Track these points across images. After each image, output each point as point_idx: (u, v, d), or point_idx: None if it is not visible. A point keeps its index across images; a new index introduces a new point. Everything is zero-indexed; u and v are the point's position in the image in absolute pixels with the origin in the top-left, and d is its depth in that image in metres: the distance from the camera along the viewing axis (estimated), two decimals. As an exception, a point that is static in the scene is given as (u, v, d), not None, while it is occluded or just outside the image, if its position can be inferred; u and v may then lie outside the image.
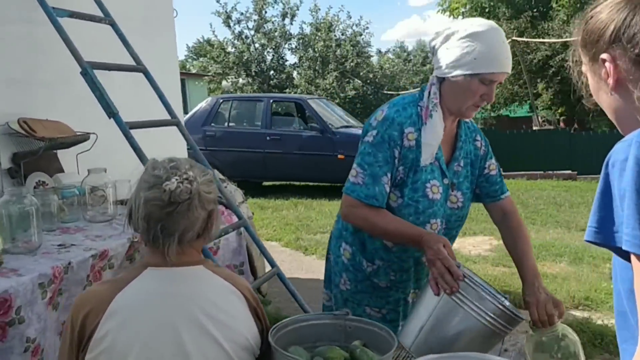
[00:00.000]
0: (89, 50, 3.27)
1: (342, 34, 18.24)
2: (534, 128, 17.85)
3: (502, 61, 1.90)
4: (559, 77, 19.02)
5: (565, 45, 19.58)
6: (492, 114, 22.31)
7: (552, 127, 20.82)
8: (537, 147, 13.68)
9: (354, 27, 18.33)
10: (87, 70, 3.24)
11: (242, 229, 4.16)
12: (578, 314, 4.61)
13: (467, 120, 2.17)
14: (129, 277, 1.55)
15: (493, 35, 1.91)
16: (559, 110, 21.38)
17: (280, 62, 19.24)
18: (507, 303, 1.77)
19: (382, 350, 1.64)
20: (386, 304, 2.17)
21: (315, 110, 10.56)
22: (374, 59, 19.17)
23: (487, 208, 2.25)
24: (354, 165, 2.03)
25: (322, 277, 5.40)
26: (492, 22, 1.97)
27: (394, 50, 30.25)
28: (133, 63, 3.72)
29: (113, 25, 3.78)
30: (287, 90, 17.98)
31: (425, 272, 2.19)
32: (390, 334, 1.67)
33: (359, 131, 11.13)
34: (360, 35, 18.27)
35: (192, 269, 1.57)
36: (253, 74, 18.74)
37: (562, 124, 22.10)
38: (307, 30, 18.69)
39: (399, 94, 18.71)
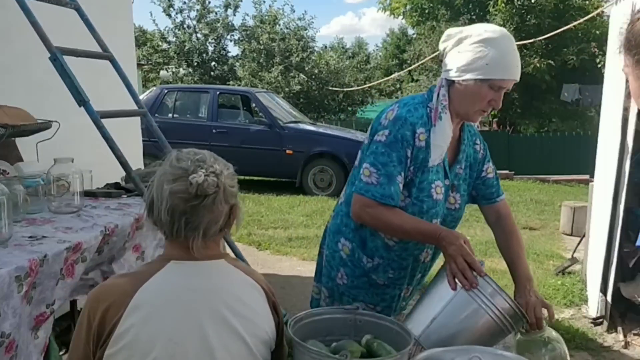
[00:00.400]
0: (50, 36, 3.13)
1: (287, 28, 18.21)
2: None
3: (513, 69, 1.94)
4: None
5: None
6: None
7: (487, 129, 21.40)
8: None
9: (298, 22, 18.38)
10: (57, 56, 3.13)
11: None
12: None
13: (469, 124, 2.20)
14: (151, 271, 1.51)
15: (506, 42, 1.94)
16: (492, 113, 22.04)
17: (223, 53, 19.02)
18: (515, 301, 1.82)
19: (393, 345, 1.66)
20: (381, 301, 2.19)
21: (263, 104, 10.50)
22: (317, 55, 19.15)
23: (482, 209, 2.30)
24: (366, 165, 2.00)
25: (277, 272, 5.40)
26: (504, 30, 2.01)
27: (331, 45, 30.48)
28: (99, 50, 3.61)
29: (78, 10, 3.65)
30: (231, 82, 17.79)
31: (420, 269, 2.23)
32: (404, 328, 1.70)
33: (308, 127, 11.11)
34: (305, 29, 18.32)
35: (215, 263, 1.55)
36: (195, 64, 18.43)
37: (494, 126, 22.73)
38: (251, 22, 18.64)
39: (343, 90, 18.90)
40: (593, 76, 22.33)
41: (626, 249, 4.33)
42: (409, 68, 19.07)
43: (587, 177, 12.01)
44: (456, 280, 1.82)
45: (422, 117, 2.01)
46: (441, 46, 2.07)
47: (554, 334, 1.96)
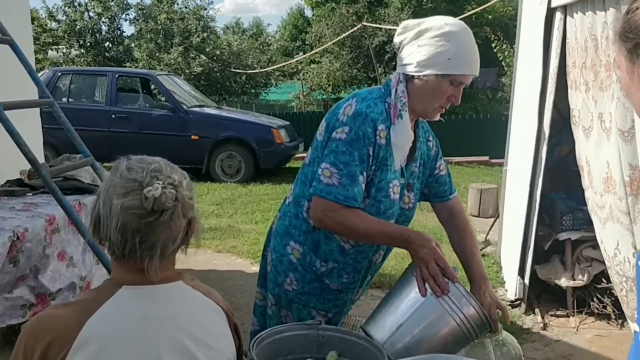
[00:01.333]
0: None
1: (186, 7, 17.57)
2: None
3: (474, 63, 1.88)
4: (394, 63, 19.90)
5: (393, 32, 20.51)
6: (332, 96, 22.84)
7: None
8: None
9: (198, 1, 17.78)
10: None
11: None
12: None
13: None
14: (100, 298, 1.31)
15: (467, 36, 1.88)
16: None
17: (117, 33, 18.10)
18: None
19: (363, 360, 1.56)
20: (333, 307, 2.07)
21: (166, 87, 10.05)
22: (215, 36, 18.62)
23: (434, 207, 2.24)
24: (326, 165, 1.86)
25: (192, 266, 5.17)
26: (463, 23, 1.93)
27: (228, 25, 29.71)
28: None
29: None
30: (128, 64, 16.96)
31: (371, 271, 2.14)
32: (372, 344, 1.60)
33: (214, 111, 10.80)
34: (205, 9, 17.76)
35: (172, 286, 1.38)
36: (87, 45, 17.41)
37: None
38: (147, 0, 17.80)
39: (247, 73, 18.56)
40: (485, 60, 23.23)
41: (541, 232, 4.48)
42: (315, 51, 19.00)
43: (486, 158, 12.50)
44: (426, 285, 1.73)
45: (382, 113, 1.90)
46: (397, 39, 1.96)
47: (508, 337, 1.93)
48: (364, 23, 16.54)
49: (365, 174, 1.87)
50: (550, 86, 4.15)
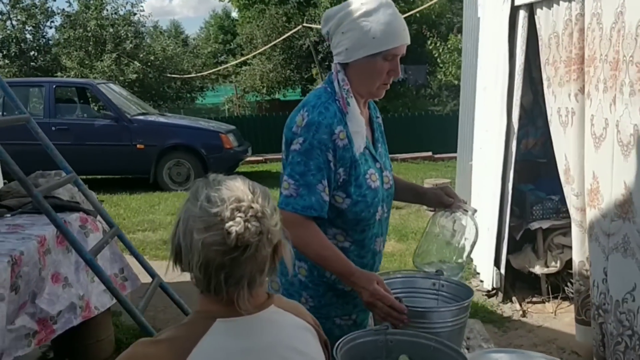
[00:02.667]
0: None
1: (115, 13, 17.05)
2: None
3: (400, 33, 1.87)
4: (327, 63, 20.06)
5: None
6: (267, 98, 22.79)
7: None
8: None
9: (127, 6, 17.28)
10: None
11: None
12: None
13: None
14: (194, 334, 1.24)
15: (387, 9, 1.87)
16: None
17: (43, 42, 17.38)
18: None
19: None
20: (354, 308, 2.08)
21: (107, 96, 9.75)
22: (151, 41, 18.19)
23: None
24: (285, 178, 1.89)
25: (163, 279, 5.06)
26: (386, 0, 1.91)
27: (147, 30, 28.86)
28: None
29: None
30: (59, 74, 16.30)
31: (378, 258, 2.15)
32: (443, 344, 1.62)
33: (159, 118, 10.54)
34: (135, 15, 17.29)
35: (266, 314, 1.32)
36: (12, 55, 16.60)
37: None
38: (75, 7, 17.11)
39: (182, 77, 18.23)
40: (416, 57, 23.77)
41: (512, 223, 4.63)
42: (253, 54, 18.87)
43: (430, 153, 12.78)
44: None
45: (336, 114, 1.89)
46: (323, 31, 1.98)
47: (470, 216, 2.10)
48: (305, 24, 16.53)
49: (325, 181, 1.87)
50: (517, 82, 4.30)
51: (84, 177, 10.24)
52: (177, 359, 1.21)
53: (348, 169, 1.91)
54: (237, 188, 1.25)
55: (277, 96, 23.13)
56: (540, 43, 3.99)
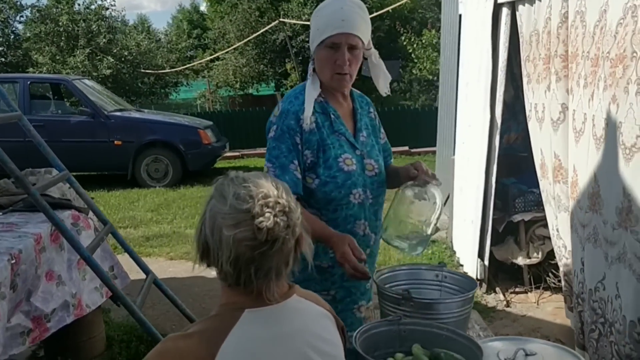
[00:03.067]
0: None
1: (87, 8, 16.79)
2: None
3: (337, 23, 2.00)
4: (300, 57, 20.05)
5: (305, 27, 20.72)
6: (240, 92, 22.71)
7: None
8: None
9: (100, 1, 17.01)
10: None
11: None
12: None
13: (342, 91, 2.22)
14: (224, 326, 1.28)
15: (329, 4, 2.05)
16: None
17: (12, 37, 17.04)
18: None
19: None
20: (332, 284, 2.18)
21: (83, 92, 9.64)
22: (123, 36, 17.95)
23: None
24: (265, 163, 2.10)
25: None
26: None
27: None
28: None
29: None
30: (31, 70, 16.01)
31: (362, 243, 2.15)
32: (456, 333, 1.68)
33: (135, 114, 10.42)
34: (107, 9, 17.04)
35: (290, 302, 1.37)
36: (-19, 51, 16.30)
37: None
38: (44, 1, 16.83)
39: (157, 73, 18.06)
40: (388, 52, 23.91)
41: (495, 215, 4.73)
42: (229, 49, 18.77)
43: (406, 148, 12.91)
44: None
45: (303, 103, 2.08)
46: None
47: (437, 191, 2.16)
48: (281, 19, 16.50)
49: (296, 161, 2.05)
50: (500, 78, 4.39)
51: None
52: (209, 350, 1.25)
53: (315, 151, 2.08)
54: (262, 185, 1.29)
55: (250, 91, 23.08)
56: (521, 40, 4.08)
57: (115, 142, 9.40)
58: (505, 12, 4.31)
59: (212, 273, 4.29)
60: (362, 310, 2.22)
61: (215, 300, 4.62)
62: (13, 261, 2.62)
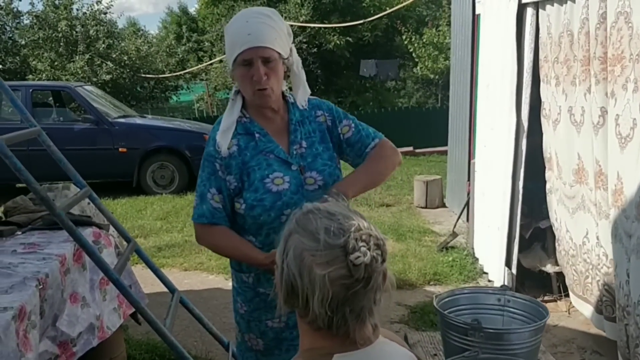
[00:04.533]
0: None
1: (85, 13, 16.58)
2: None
3: (244, 39, 1.89)
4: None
5: (302, 28, 20.62)
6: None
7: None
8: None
9: (97, 5, 16.80)
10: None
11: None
12: (432, 289, 4.92)
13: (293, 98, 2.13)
14: None
15: (236, 21, 1.95)
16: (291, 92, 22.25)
17: (10, 43, 16.82)
18: None
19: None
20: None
21: (86, 99, 9.50)
22: (125, 40, 17.75)
23: None
24: None
25: (165, 289, 4.97)
26: (243, 10, 2.04)
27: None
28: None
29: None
30: (30, 76, 15.81)
31: None
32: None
33: (140, 121, 10.33)
34: (105, 13, 16.84)
35: (378, 345, 1.24)
36: (-21, 58, 16.08)
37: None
38: (39, 7, 16.57)
39: (158, 77, 17.91)
40: (385, 51, 23.85)
41: (521, 221, 4.61)
42: (221, 57, 18.59)
43: (411, 148, 12.79)
44: None
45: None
46: None
47: None
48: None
49: (214, 189, 2.01)
50: (525, 80, 4.27)
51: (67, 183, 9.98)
52: None
53: (239, 175, 2.00)
54: (350, 216, 1.17)
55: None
56: (548, 41, 3.96)
57: (120, 149, 9.26)
58: (530, 12, 4.19)
59: (229, 284, 4.19)
60: None
61: (221, 317, 4.52)
62: (40, 287, 2.49)
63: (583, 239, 3.74)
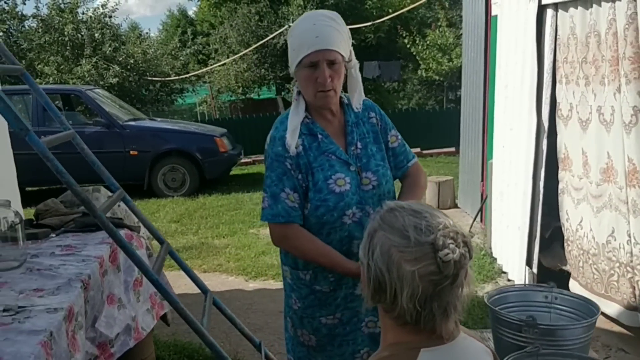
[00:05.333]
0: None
1: (91, 16, 16.58)
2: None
3: (311, 41, 1.93)
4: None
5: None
6: (241, 97, 22.62)
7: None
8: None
9: (102, 8, 16.81)
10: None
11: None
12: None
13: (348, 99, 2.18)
14: None
15: (302, 23, 2.00)
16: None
17: (17, 48, 16.82)
18: None
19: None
20: (337, 308, 2.14)
21: (97, 102, 9.55)
22: (131, 43, 17.76)
23: (400, 180, 2.29)
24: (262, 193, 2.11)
25: (186, 290, 4.99)
26: (310, 12, 2.10)
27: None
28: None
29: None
30: (38, 80, 15.80)
31: (355, 258, 2.13)
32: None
33: (151, 124, 10.34)
34: (110, 17, 16.86)
35: (460, 340, 1.27)
36: (-15, 62, 16.01)
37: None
38: (44, 11, 16.62)
39: (164, 80, 17.92)
40: (388, 53, 23.88)
41: (541, 221, 4.64)
42: (233, 58, 18.70)
43: (418, 150, 12.81)
44: None
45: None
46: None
47: None
48: (292, 24, 16.40)
49: (288, 189, 2.02)
50: (546, 80, 4.30)
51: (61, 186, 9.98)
52: None
53: (305, 174, 2.04)
54: (436, 214, 1.21)
55: (251, 95, 22.99)
56: (572, 42, 3.99)
57: (131, 152, 9.30)
58: (550, 13, 4.22)
59: (250, 285, 4.22)
60: (370, 326, 2.17)
61: (259, 315, 4.56)
62: (84, 288, 2.52)
63: (608, 237, 3.76)
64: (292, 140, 2.01)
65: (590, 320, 1.83)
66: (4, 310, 2.17)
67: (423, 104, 19.78)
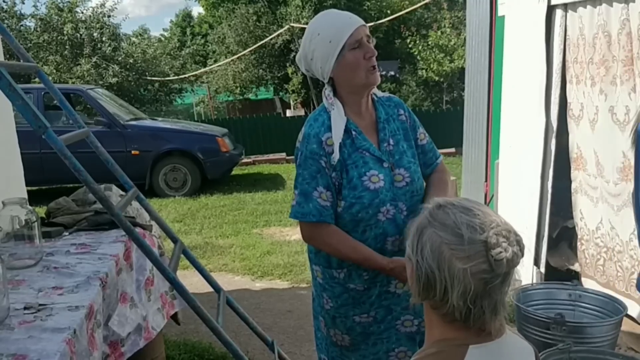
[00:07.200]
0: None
1: (90, 16, 16.55)
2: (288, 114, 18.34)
3: (347, 21, 2.00)
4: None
5: (303, 30, 20.64)
6: (239, 98, 22.58)
7: (301, 114, 21.66)
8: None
9: (101, 8, 16.77)
10: (3, 74, 2.51)
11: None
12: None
13: (377, 95, 2.20)
14: None
15: (324, 18, 2.06)
16: (294, 96, 22.17)
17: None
18: None
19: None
20: (370, 306, 2.14)
21: (98, 102, 9.53)
22: (130, 43, 17.74)
23: (425, 178, 2.28)
24: (294, 190, 2.10)
25: (192, 290, 5.01)
26: (319, 14, 2.14)
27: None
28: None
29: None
30: (36, 80, 15.75)
31: (389, 255, 2.14)
32: (633, 359, 1.59)
33: (152, 123, 10.29)
34: (108, 16, 16.83)
35: (507, 338, 1.27)
36: (-17, 61, 15.92)
37: (299, 107, 23.07)
38: (42, 10, 16.58)
39: (163, 80, 17.90)
40: (386, 53, 23.88)
41: (549, 221, 4.64)
42: (231, 59, 18.66)
43: (419, 150, 12.83)
44: None
45: (324, 123, 2.04)
46: (305, 72, 2.14)
47: None
48: (292, 24, 16.42)
49: (321, 187, 2.01)
50: (554, 81, 4.31)
51: (77, 185, 9.99)
52: None
53: (339, 172, 2.03)
54: (488, 212, 1.21)
55: (249, 96, 22.94)
56: (581, 42, 4.00)
57: (133, 151, 9.27)
58: (559, 13, 4.23)
59: (257, 285, 4.20)
60: (407, 325, 2.16)
61: (267, 314, 4.55)
62: (102, 286, 2.52)
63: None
64: (337, 138, 2.00)
65: (617, 318, 1.84)
66: (25, 308, 2.16)
67: (419, 105, 19.79)
